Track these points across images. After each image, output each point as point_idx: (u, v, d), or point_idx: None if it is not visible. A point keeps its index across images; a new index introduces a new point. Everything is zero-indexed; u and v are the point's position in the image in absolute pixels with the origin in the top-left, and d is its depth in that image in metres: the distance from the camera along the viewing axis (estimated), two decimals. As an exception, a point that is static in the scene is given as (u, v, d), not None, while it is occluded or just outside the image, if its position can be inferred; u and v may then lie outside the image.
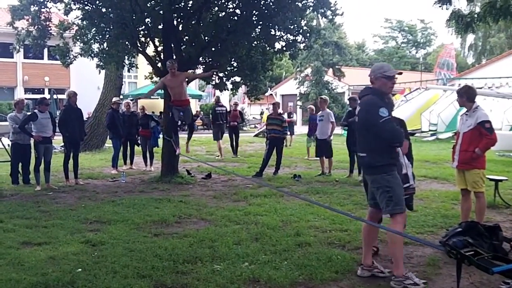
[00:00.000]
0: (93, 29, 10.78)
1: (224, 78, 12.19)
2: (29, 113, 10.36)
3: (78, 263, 5.12)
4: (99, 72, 12.37)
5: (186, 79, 8.42)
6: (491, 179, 8.42)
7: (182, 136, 12.75)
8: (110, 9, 10.20)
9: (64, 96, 18.22)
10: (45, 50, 20.90)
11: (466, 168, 6.36)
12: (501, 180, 8.44)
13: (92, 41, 11.05)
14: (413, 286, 4.52)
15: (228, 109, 17.29)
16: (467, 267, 4.79)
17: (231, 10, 11.00)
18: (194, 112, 36.93)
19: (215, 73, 11.01)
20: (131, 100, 15.15)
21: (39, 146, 9.80)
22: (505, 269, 3.04)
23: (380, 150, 4.64)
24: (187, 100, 9.73)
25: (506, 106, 21.13)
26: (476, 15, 9.39)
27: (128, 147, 13.10)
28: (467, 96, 6.41)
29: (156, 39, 11.51)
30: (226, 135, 16.96)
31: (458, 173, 6.56)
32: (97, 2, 10.38)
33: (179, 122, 10.38)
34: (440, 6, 9.58)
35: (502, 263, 3.13)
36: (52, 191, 9.61)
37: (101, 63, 11.44)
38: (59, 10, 11.32)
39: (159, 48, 11.51)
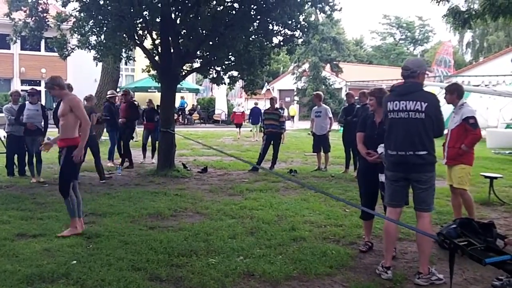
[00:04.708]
0: (91, 21, 10.72)
1: (222, 72, 12.17)
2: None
3: (73, 255, 5.12)
4: (96, 64, 12.32)
5: (71, 109, 5.90)
6: (486, 177, 8.48)
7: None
8: (108, 1, 10.14)
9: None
10: (42, 42, 20.74)
11: (454, 163, 6.43)
12: (496, 178, 8.47)
13: (89, 33, 10.99)
14: (438, 281, 4.60)
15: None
16: (461, 263, 4.85)
17: (229, 4, 10.96)
18: (190, 106, 36.76)
19: None
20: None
21: (26, 138, 9.74)
22: (497, 261, 3.04)
23: (434, 147, 4.71)
24: (69, 140, 5.98)
25: (502, 104, 21.17)
26: (474, 12, 9.39)
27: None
28: (458, 92, 6.48)
29: (154, 32, 11.48)
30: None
31: (448, 170, 6.62)
32: (95, -6, 10.33)
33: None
34: (437, 2, 9.59)
35: (495, 255, 3.14)
36: (47, 183, 9.57)
37: (98, 56, 11.38)
38: (56, 1, 11.25)
39: (157, 41, 11.47)
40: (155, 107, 14.10)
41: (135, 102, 13.83)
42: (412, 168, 4.63)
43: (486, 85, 24.21)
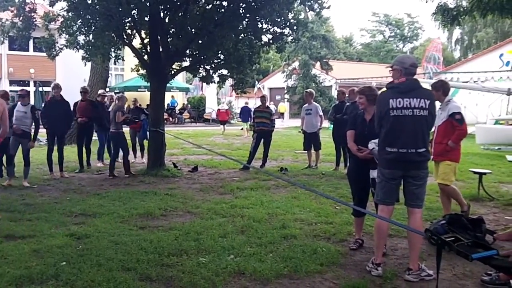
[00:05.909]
0: (79, 21, 10.65)
1: (211, 71, 12.14)
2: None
3: (62, 256, 5.09)
4: (85, 64, 12.24)
5: None
6: (475, 172, 8.53)
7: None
8: (96, 1, 10.09)
9: (50, 89, 18.00)
10: (31, 42, 20.65)
11: (441, 160, 6.47)
12: (485, 173, 8.52)
13: (77, 33, 10.92)
14: (428, 277, 4.62)
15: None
16: (451, 259, 4.88)
17: (218, 2, 10.93)
18: (180, 105, 36.70)
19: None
20: (116, 92, 15.03)
21: (11, 138, 9.54)
22: (484, 256, 3.05)
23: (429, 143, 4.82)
24: None
25: (491, 100, 21.34)
26: (462, 9, 9.44)
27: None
28: (443, 89, 6.51)
29: (143, 31, 11.43)
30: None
31: (435, 166, 6.65)
32: (83, -7, 10.26)
33: None
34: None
35: (482, 250, 3.15)
36: (36, 184, 9.48)
37: (87, 55, 11.32)
38: (44, 1, 11.20)
39: (146, 41, 11.42)
40: (142, 107, 14.08)
41: (94, 101, 12.87)
42: (411, 165, 4.62)
43: (475, 82, 24.40)
